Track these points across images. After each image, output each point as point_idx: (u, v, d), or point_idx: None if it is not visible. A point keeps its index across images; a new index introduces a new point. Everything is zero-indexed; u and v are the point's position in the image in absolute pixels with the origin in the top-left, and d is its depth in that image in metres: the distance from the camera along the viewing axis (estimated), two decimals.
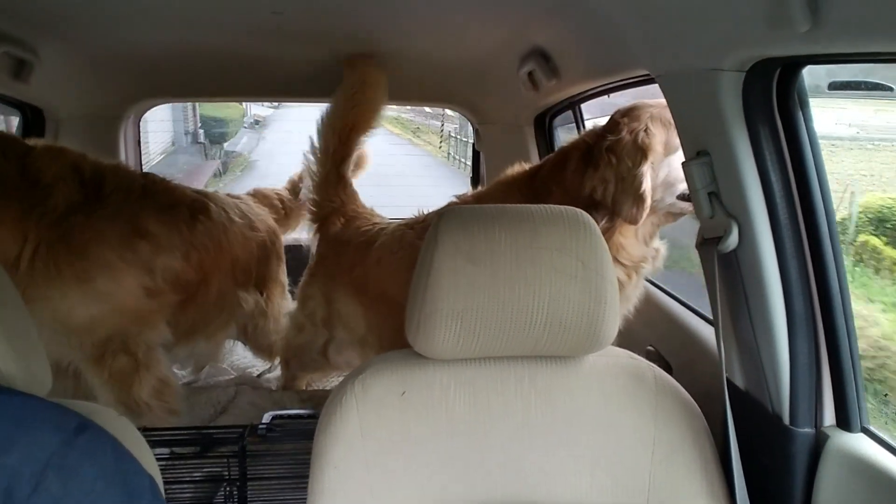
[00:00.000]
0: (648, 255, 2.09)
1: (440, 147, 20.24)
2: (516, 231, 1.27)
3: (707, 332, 1.89)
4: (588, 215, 1.33)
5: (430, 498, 1.29)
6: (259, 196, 3.18)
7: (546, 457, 1.33)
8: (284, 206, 3.27)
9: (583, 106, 2.75)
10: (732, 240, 1.37)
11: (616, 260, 1.99)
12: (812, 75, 1.32)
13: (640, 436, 1.34)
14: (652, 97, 2.03)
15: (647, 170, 1.94)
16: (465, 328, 1.25)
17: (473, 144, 3.60)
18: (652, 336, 2.17)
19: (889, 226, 2.19)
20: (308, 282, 2.80)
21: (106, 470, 0.98)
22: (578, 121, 2.82)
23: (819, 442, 1.33)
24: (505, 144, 3.15)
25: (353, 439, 1.27)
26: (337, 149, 2.69)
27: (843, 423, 1.34)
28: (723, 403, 1.37)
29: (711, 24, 1.28)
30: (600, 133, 2.06)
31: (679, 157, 1.90)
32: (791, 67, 1.27)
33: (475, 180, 3.62)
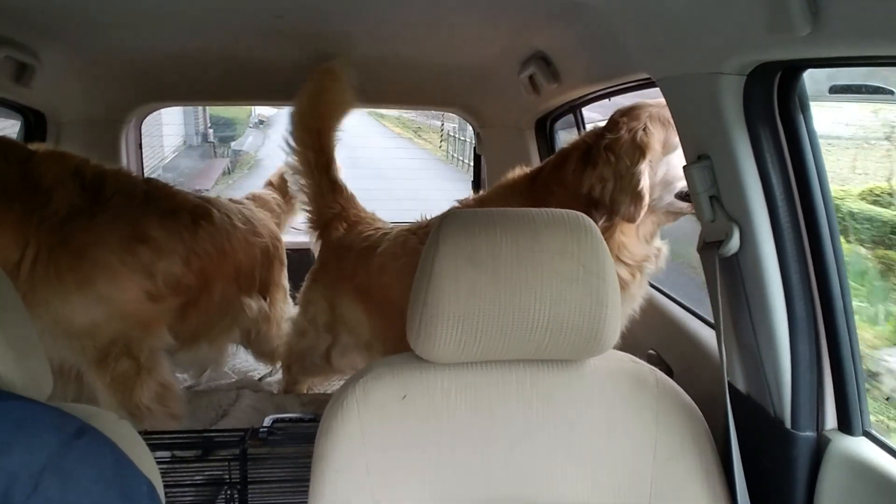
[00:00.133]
0: (650, 254, 2.09)
1: (440, 146, 20.42)
2: (517, 234, 1.27)
3: (708, 335, 1.89)
4: (589, 219, 1.33)
5: (431, 501, 1.29)
6: (259, 200, 3.19)
7: (547, 460, 1.32)
8: (281, 209, 3.28)
9: (591, 106, 2.75)
10: (734, 243, 1.37)
11: (619, 259, 2.00)
12: (813, 79, 1.32)
13: (642, 439, 1.34)
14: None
15: (645, 168, 1.95)
16: (467, 332, 1.25)
17: (475, 148, 3.60)
18: (653, 340, 2.17)
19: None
20: (310, 287, 2.80)
21: (104, 473, 0.98)
22: (579, 124, 2.82)
23: (820, 445, 1.33)
24: (506, 148, 3.15)
25: (355, 443, 1.27)
26: (317, 159, 2.69)
27: (845, 426, 1.34)
28: (724, 407, 1.37)
29: (712, 27, 1.28)
30: (600, 132, 2.07)
31: (678, 156, 1.92)
32: (792, 71, 1.28)
33: (476, 184, 3.62)
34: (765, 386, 1.39)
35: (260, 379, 3.29)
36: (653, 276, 2.20)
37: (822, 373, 1.35)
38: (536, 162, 2.97)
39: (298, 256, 3.16)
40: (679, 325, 2.07)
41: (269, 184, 3.40)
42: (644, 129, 1.96)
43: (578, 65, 2.22)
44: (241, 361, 3.40)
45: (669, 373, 1.93)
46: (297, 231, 3.39)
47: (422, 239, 2.34)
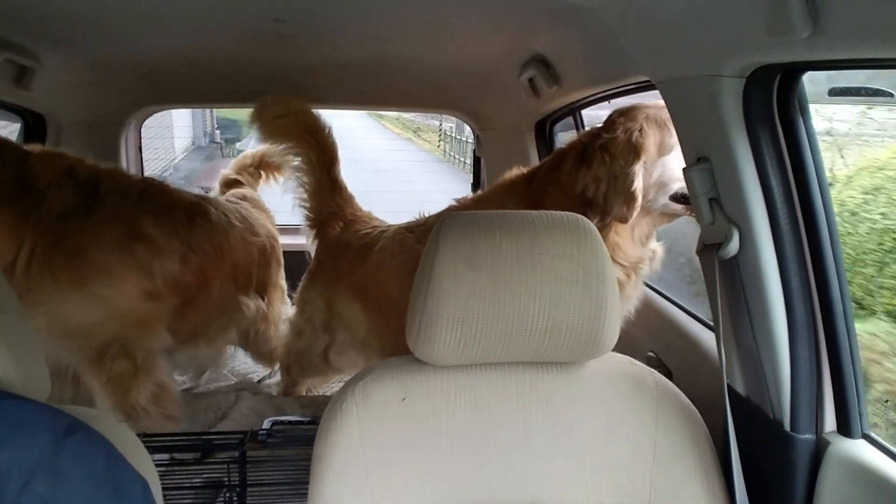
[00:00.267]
0: (645, 255, 2.10)
1: (439, 146, 20.70)
2: (517, 237, 1.27)
3: (708, 337, 1.89)
4: (589, 221, 1.33)
5: (431, 502, 1.29)
6: (251, 201, 3.18)
7: (547, 463, 1.32)
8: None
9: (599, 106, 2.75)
10: (733, 246, 1.37)
11: (613, 260, 2.00)
12: (812, 81, 1.32)
13: (641, 442, 1.34)
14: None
15: (639, 169, 1.95)
16: (466, 334, 1.25)
17: (474, 151, 3.60)
18: (653, 342, 2.17)
19: None
20: (307, 286, 2.81)
21: (95, 472, 0.97)
22: (579, 126, 2.83)
23: (820, 448, 1.33)
24: (506, 150, 3.15)
25: (354, 445, 1.27)
26: (320, 157, 2.72)
27: (844, 429, 1.34)
28: (723, 409, 1.37)
29: (712, 30, 1.28)
30: (596, 132, 2.08)
31: (673, 157, 1.93)
32: (791, 73, 1.28)
33: (476, 186, 3.62)
34: (764, 388, 1.39)
35: (259, 381, 3.29)
36: (648, 277, 2.21)
37: (822, 375, 1.35)
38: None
39: (295, 258, 3.16)
40: (678, 327, 2.07)
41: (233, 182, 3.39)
42: (640, 130, 1.96)
43: (578, 67, 2.22)
44: (240, 364, 3.39)
45: (669, 375, 1.92)
46: (294, 233, 3.40)
47: (419, 237, 2.35)
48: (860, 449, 1.29)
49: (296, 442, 2.10)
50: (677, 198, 2.00)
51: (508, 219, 1.32)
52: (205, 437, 2.20)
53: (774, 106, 1.31)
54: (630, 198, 1.95)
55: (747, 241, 1.36)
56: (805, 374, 1.34)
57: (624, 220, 1.98)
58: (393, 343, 2.39)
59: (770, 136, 1.31)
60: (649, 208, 2.02)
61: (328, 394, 3.12)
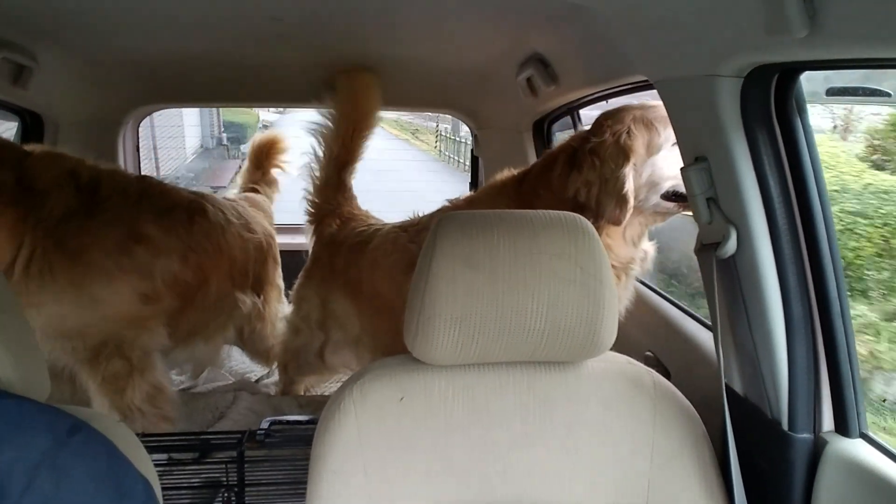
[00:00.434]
0: (637, 256, 2.11)
1: (435, 147, 21.05)
2: (515, 236, 1.27)
3: (706, 337, 1.89)
4: (587, 221, 1.33)
5: (429, 502, 1.29)
6: (251, 200, 3.18)
7: (545, 462, 1.32)
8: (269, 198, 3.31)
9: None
10: (731, 245, 1.37)
11: None
12: (810, 81, 1.32)
13: (639, 441, 1.34)
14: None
15: (629, 171, 1.96)
16: (464, 334, 1.25)
17: (472, 150, 3.60)
18: (650, 341, 2.17)
19: None
20: (303, 283, 2.82)
21: (98, 471, 0.97)
22: (577, 126, 2.83)
23: (818, 447, 1.33)
24: (504, 150, 3.15)
25: (352, 445, 1.27)
26: (340, 154, 2.74)
27: (842, 428, 1.34)
28: (721, 409, 1.37)
29: (709, 30, 1.28)
30: (584, 136, 2.09)
31: (662, 157, 1.95)
32: (789, 73, 1.28)
33: (474, 186, 3.63)
34: (762, 388, 1.39)
35: (257, 381, 3.29)
36: (640, 276, 2.22)
37: (819, 375, 1.35)
38: None
39: (292, 257, 3.17)
40: (676, 326, 2.07)
41: (254, 190, 3.38)
42: (628, 133, 1.97)
43: (576, 67, 2.22)
44: (238, 363, 3.40)
45: (666, 375, 1.93)
46: (293, 232, 3.41)
47: (412, 237, 2.37)
48: (858, 448, 1.29)
49: (294, 442, 2.10)
50: (668, 196, 2.01)
51: (506, 218, 1.32)
52: (203, 436, 2.20)
53: (772, 106, 1.31)
54: (622, 200, 1.96)
55: (745, 240, 1.36)
56: (803, 373, 1.34)
57: (617, 223, 1.99)
58: (386, 342, 2.40)
59: (768, 136, 1.31)
60: (641, 208, 2.03)
61: (326, 393, 3.12)
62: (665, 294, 2.29)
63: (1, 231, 2.14)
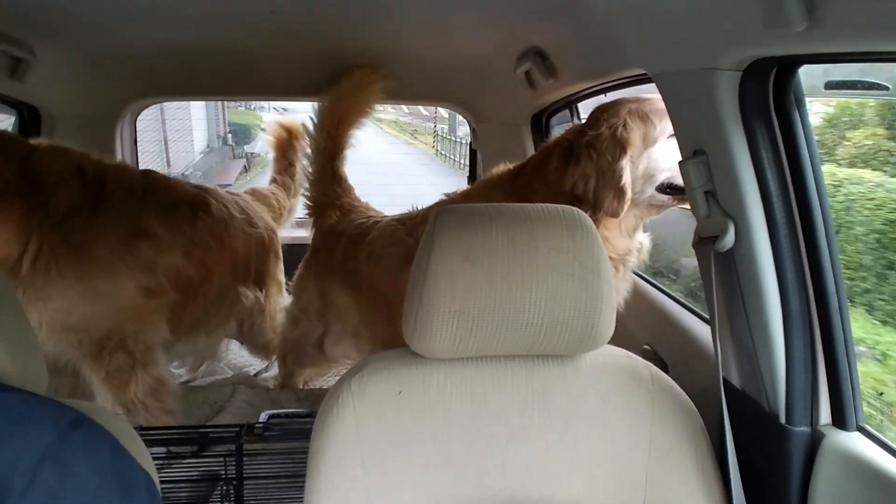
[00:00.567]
0: (633, 247, 2.12)
1: (433, 146, 21.39)
2: (513, 230, 1.27)
3: (703, 330, 1.89)
4: (585, 214, 1.33)
5: (427, 496, 1.29)
6: (257, 195, 3.19)
7: (543, 455, 1.33)
8: (280, 205, 3.29)
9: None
10: (729, 239, 1.37)
11: None
12: (808, 74, 1.32)
13: (637, 434, 1.34)
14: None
15: (626, 163, 1.98)
16: (462, 327, 1.25)
17: (470, 143, 3.60)
18: (648, 335, 2.17)
19: None
20: (303, 274, 2.83)
21: (101, 465, 0.98)
22: (575, 120, 2.82)
23: (815, 440, 1.33)
24: (502, 143, 3.15)
25: (350, 438, 1.27)
26: (328, 146, 2.75)
27: (839, 421, 1.34)
28: (719, 402, 1.38)
29: (708, 23, 1.28)
30: (580, 129, 2.10)
31: (658, 149, 1.97)
32: (787, 67, 1.28)
33: (472, 179, 3.62)
34: (759, 381, 1.39)
35: (255, 374, 3.29)
36: (636, 268, 2.23)
37: (817, 368, 1.35)
38: None
39: (294, 251, 3.17)
40: (674, 320, 2.07)
41: (274, 181, 3.40)
42: (624, 125, 1.99)
43: (574, 60, 2.22)
44: (237, 357, 3.40)
45: (664, 368, 1.93)
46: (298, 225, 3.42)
47: (409, 230, 2.38)
48: (855, 441, 1.29)
49: (292, 435, 2.11)
50: (663, 188, 2.03)
51: (505, 212, 1.32)
52: (201, 430, 2.20)
53: (770, 99, 1.31)
54: (620, 192, 1.97)
55: (743, 234, 1.36)
56: (800, 366, 1.35)
57: (615, 215, 2.00)
58: (385, 334, 2.41)
59: (766, 130, 1.31)
60: (636, 200, 2.05)
61: (325, 387, 3.12)
62: (663, 287, 2.30)
63: (8, 226, 2.15)
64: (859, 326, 2.17)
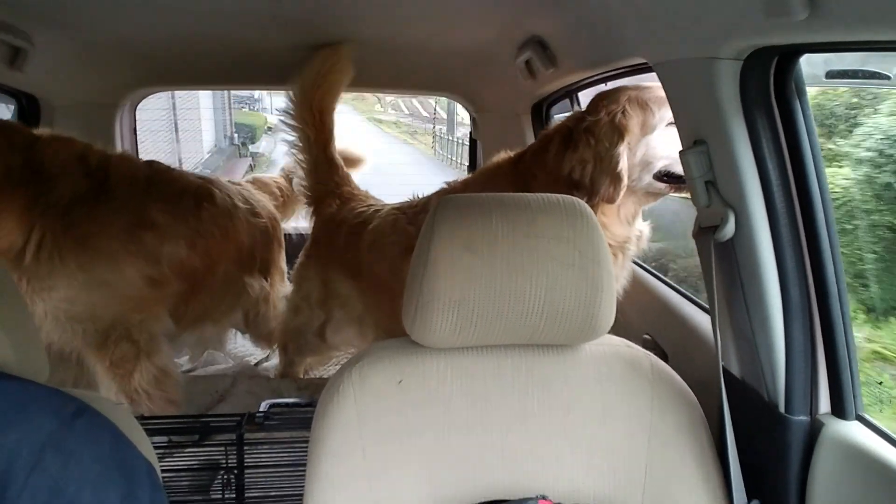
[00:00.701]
0: (632, 235, 2.12)
1: (432, 146, 21.94)
2: (513, 220, 1.27)
3: (703, 320, 1.90)
4: (585, 204, 1.33)
5: (428, 485, 1.30)
6: (259, 183, 3.19)
7: (543, 445, 1.33)
8: (283, 193, 3.29)
9: None
10: (729, 228, 1.37)
11: None
12: (809, 63, 1.32)
13: (637, 423, 1.35)
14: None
15: (623, 150, 1.98)
16: (463, 317, 1.26)
17: (470, 133, 3.59)
18: (648, 324, 2.18)
19: None
20: (304, 263, 2.83)
21: (103, 453, 0.98)
22: (575, 108, 2.82)
23: (814, 430, 1.34)
24: (502, 133, 3.14)
25: (351, 427, 1.28)
26: (317, 135, 2.72)
27: (838, 410, 1.34)
28: (719, 391, 1.38)
29: (709, 12, 1.27)
30: (580, 116, 2.11)
31: (656, 136, 1.98)
32: (788, 56, 1.27)
33: (472, 169, 3.62)
34: (759, 370, 1.40)
35: (256, 364, 3.30)
36: (636, 257, 2.23)
37: (816, 357, 1.35)
38: None
39: (296, 241, 3.18)
40: (674, 309, 2.07)
41: (284, 171, 3.39)
42: (623, 112, 2.00)
43: (575, 49, 2.21)
44: (238, 346, 3.41)
45: (664, 357, 1.93)
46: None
47: (410, 218, 2.38)
48: (854, 430, 1.29)
49: (293, 424, 2.11)
50: (661, 176, 2.03)
51: (505, 202, 1.32)
52: (202, 419, 2.21)
53: (771, 88, 1.30)
54: (616, 178, 1.98)
55: (743, 223, 1.36)
56: (800, 356, 1.35)
57: (611, 201, 2.01)
58: (387, 319, 2.42)
59: (767, 119, 1.31)
60: (634, 187, 2.06)
61: (325, 376, 3.13)
62: (663, 277, 2.30)
63: (11, 215, 2.15)
64: None
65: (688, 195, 1.72)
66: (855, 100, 2.45)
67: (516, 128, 3.08)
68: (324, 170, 2.77)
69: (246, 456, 2.08)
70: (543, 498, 1.25)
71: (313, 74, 2.61)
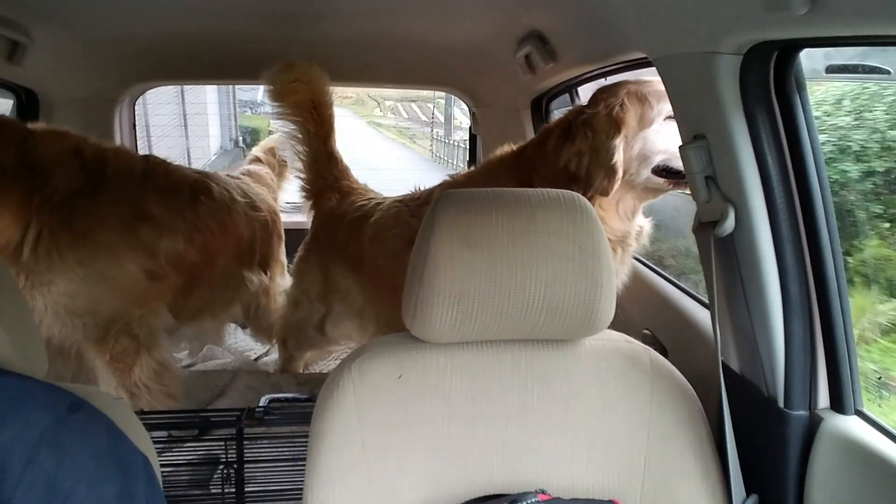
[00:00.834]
0: (632, 231, 2.13)
1: (430, 149, 22.53)
2: (513, 215, 1.27)
3: (703, 315, 1.90)
4: (585, 199, 1.33)
5: (427, 480, 1.30)
6: (254, 176, 3.18)
7: (542, 439, 1.33)
8: (274, 182, 3.29)
9: None
10: (729, 223, 1.37)
11: None
12: (809, 58, 1.32)
13: (636, 418, 1.35)
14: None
15: (619, 143, 1.99)
16: (463, 312, 1.26)
17: (470, 128, 3.59)
18: (648, 319, 2.18)
19: None
20: (304, 257, 2.83)
21: (99, 448, 0.98)
22: (576, 103, 2.81)
23: (813, 424, 1.34)
24: (502, 128, 3.14)
25: (350, 422, 1.28)
26: (318, 131, 2.72)
27: (837, 405, 1.34)
28: (718, 386, 1.38)
29: (709, 6, 1.27)
30: (579, 110, 2.13)
31: (654, 130, 1.98)
32: (788, 51, 1.27)
33: (472, 163, 3.62)
34: (758, 365, 1.40)
35: (256, 359, 3.30)
36: (636, 252, 2.23)
37: (816, 352, 1.35)
38: None
39: (294, 235, 3.17)
40: (673, 304, 2.08)
41: (256, 159, 3.37)
42: (621, 105, 2.00)
43: (575, 44, 2.21)
44: (238, 341, 3.41)
45: (664, 352, 1.94)
46: (293, 208, 3.41)
47: (413, 211, 2.39)
48: (853, 425, 1.30)
49: (293, 419, 2.12)
50: (659, 171, 2.03)
51: (505, 197, 1.31)
52: (202, 414, 2.22)
53: (771, 83, 1.30)
54: (611, 171, 1.98)
55: (743, 218, 1.36)
56: (799, 351, 1.35)
57: (605, 193, 2.02)
58: (387, 312, 2.42)
59: (766, 114, 1.31)
60: (632, 182, 2.06)
61: (325, 371, 3.13)
62: (662, 272, 2.30)
63: (7, 210, 2.15)
64: None
65: (687, 191, 1.72)
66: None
67: (516, 123, 3.08)
68: (324, 163, 2.77)
69: (245, 451, 2.08)
70: (542, 492, 1.25)
71: (296, 81, 2.64)
